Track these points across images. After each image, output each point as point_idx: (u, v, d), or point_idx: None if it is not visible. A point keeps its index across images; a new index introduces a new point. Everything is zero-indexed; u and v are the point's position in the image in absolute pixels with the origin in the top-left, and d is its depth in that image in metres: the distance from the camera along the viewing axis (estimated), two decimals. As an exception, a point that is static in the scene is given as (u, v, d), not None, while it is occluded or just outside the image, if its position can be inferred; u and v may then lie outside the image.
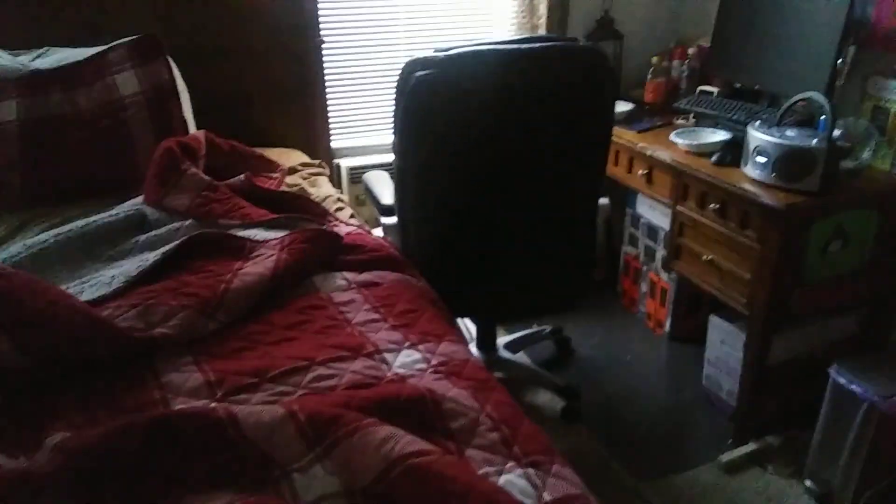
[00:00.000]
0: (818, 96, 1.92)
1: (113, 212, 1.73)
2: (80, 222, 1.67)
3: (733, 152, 2.10)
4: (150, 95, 1.97)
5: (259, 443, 1.01)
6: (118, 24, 2.15)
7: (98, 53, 1.98)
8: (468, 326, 2.55)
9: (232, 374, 1.21)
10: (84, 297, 1.38)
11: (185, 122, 2.05)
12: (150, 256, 1.50)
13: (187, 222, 1.65)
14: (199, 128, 2.05)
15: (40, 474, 0.94)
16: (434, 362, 1.28)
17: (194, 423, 1.02)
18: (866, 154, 2.03)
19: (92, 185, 1.93)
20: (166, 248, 1.51)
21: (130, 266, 1.49)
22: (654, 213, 2.61)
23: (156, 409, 1.14)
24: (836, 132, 1.93)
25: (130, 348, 1.25)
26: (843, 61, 2.10)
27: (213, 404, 1.12)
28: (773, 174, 1.91)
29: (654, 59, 2.77)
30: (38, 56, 2.02)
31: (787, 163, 1.88)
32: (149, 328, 1.28)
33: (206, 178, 1.74)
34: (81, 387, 1.18)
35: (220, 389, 1.18)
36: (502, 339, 2.47)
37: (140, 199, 1.78)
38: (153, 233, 1.64)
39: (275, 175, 2.05)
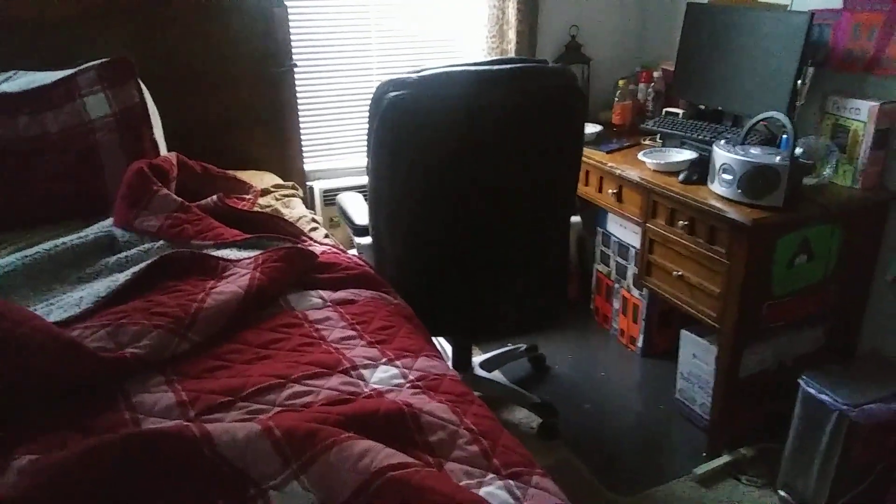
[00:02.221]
0: (780, 115, 1.99)
1: (82, 234, 1.71)
2: (48, 244, 1.64)
3: (700, 170, 2.15)
4: (121, 118, 1.96)
5: (234, 460, 0.99)
6: (92, 49, 2.14)
7: (67, 76, 1.96)
8: (443, 346, 2.54)
9: (205, 394, 1.19)
10: (52, 318, 1.35)
11: (156, 144, 2.03)
12: (121, 277, 1.47)
13: (158, 243, 1.64)
14: (172, 151, 2.04)
15: (6, 499, 0.91)
16: (411, 377, 1.27)
17: (167, 441, 1.00)
18: (827, 171, 2.09)
19: (61, 209, 1.90)
20: (136, 268, 1.48)
21: (100, 287, 1.46)
22: (624, 231, 2.65)
23: (127, 429, 1.11)
24: (798, 150, 1.99)
25: (100, 369, 1.22)
26: (802, 82, 2.18)
27: (186, 423, 1.09)
28: (739, 191, 1.96)
29: (621, 83, 2.83)
30: (6, 79, 1.99)
31: (752, 179, 1.93)
32: (119, 348, 1.26)
33: (178, 199, 1.73)
34: (49, 409, 1.15)
35: (192, 409, 1.16)
36: (478, 359, 2.47)
37: (110, 221, 1.76)
38: (123, 254, 1.62)
39: (248, 196, 2.04)
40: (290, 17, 2.45)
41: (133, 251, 1.63)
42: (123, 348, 1.27)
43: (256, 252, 1.58)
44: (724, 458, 2.12)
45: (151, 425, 1.13)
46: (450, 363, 2.37)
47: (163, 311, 1.34)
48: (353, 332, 1.40)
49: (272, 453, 1.00)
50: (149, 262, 1.50)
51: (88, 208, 1.90)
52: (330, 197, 2.69)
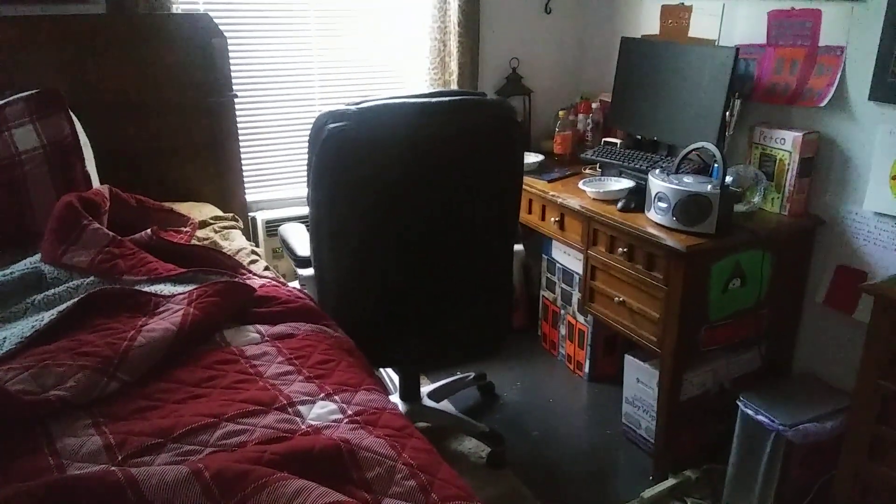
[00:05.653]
0: (710, 146, 2.07)
1: (7, 270, 1.64)
2: (-30, 283, 1.57)
3: (637, 199, 2.21)
4: (50, 150, 1.90)
5: (162, 506, 0.95)
6: (21, 79, 2.07)
7: (-6, 108, 1.90)
8: (391, 376, 2.52)
9: (134, 436, 1.14)
10: (-30, 362, 1.29)
11: (88, 177, 1.98)
12: (46, 316, 1.42)
13: (88, 279, 1.58)
14: (109, 184, 1.98)
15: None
16: (350, 412, 1.25)
17: (90, 487, 0.95)
18: (757, 198, 2.18)
19: (-15, 244, 1.82)
20: (63, 306, 1.43)
21: (24, 327, 1.40)
22: (568, 258, 2.69)
23: (49, 475, 1.06)
24: (729, 178, 2.07)
25: (23, 413, 1.17)
26: (730, 113, 2.27)
27: (112, 467, 1.05)
28: (674, 218, 2.01)
29: (561, 113, 2.90)
30: (-73, 111, 1.92)
31: (686, 207, 1.99)
32: (43, 391, 1.21)
33: (110, 233, 1.68)
34: (-36, 457, 1.09)
35: (120, 452, 1.11)
36: (426, 388, 2.45)
37: (38, 257, 1.70)
38: (51, 291, 1.56)
39: (185, 229, 1.99)
40: (230, 46, 2.43)
41: (61, 288, 1.57)
42: (48, 390, 1.22)
43: (192, 287, 1.55)
44: (670, 482, 2.14)
45: (76, 470, 1.08)
46: (398, 394, 2.35)
47: (90, 350, 1.29)
48: (290, 368, 1.37)
49: (202, 497, 0.96)
50: (76, 299, 1.44)
51: (15, 244, 1.82)
52: (273, 228, 2.66)
